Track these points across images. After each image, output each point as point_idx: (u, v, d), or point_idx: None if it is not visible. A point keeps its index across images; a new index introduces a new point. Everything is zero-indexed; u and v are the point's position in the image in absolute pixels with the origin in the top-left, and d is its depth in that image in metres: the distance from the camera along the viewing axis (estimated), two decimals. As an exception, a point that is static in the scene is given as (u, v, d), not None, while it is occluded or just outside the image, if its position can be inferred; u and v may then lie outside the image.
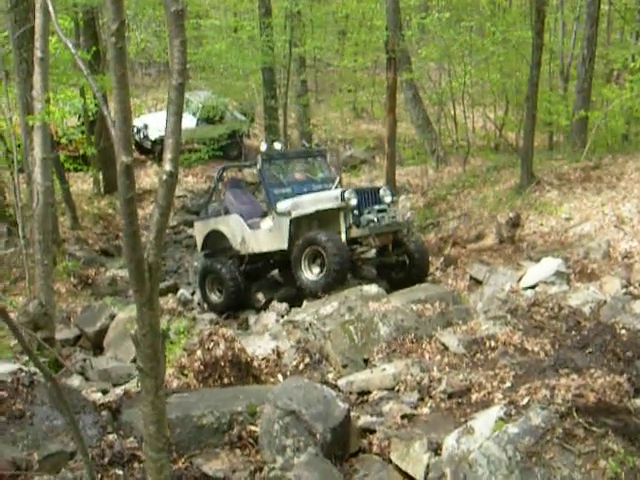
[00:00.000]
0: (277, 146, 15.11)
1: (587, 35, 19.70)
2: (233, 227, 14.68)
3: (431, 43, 25.56)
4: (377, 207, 13.43)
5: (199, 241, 15.60)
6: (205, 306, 14.88)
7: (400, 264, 13.74)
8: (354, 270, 13.68)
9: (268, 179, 14.39)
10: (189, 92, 25.96)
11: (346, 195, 13.05)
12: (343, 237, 12.95)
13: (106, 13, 23.23)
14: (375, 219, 13.21)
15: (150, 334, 4.31)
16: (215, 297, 14.68)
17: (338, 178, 15.34)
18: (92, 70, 4.86)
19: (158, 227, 4.23)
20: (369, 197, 13.57)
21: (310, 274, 12.91)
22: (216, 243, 15.07)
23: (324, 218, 13.44)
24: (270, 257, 14.35)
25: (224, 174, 16.31)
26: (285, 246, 13.58)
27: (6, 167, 17.20)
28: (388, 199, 13.79)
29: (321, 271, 12.70)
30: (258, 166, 14.48)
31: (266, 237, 14.08)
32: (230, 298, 14.33)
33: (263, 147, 14.55)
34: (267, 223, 14.16)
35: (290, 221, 13.50)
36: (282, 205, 13.83)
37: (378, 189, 13.94)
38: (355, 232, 13.09)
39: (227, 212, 14.93)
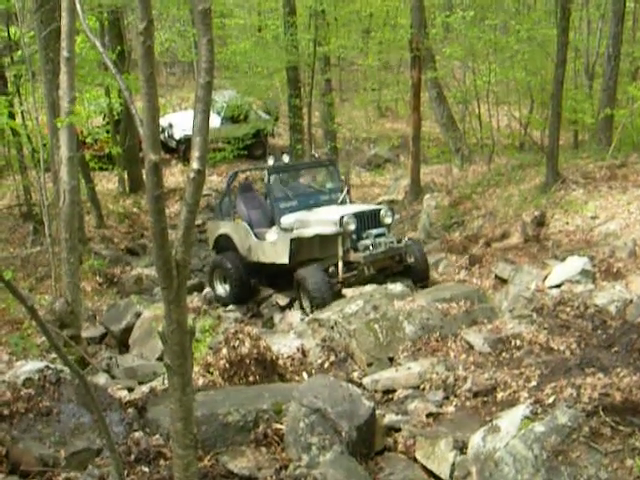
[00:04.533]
0: (285, 158, 15.23)
1: (612, 33, 19.57)
2: (241, 234, 14.91)
3: (455, 41, 25.50)
4: (375, 231, 13.59)
5: (211, 241, 16.01)
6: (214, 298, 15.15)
7: (400, 274, 13.91)
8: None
9: (275, 193, 14.55)
10: (214, 91, 25.98)
11: (345, 220, 13.21)
12: (340, 264, 13.20)
13: (131, 13, 23.42)
14: (371, 246, 13.37)
15: (178, 331, 4.33)
16: (222, 290, 14.99)
17: (347, 188, 15.53)
18: (117, 70, 4.87)
19: (186, 224, 4.24)
20: (369, 220, 13.76)
21: (306, 303, 13.08)
22: (226, 245, 15.32)
23: (324, 240, 13.67)
24: (275, 266, 14.39)
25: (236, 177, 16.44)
26: (286, 261, 13.79)
27: (32, 166, 17.33)
28: (388, 220, 13.98)
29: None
30: (265, 180, 14.69)
31: (270, 249, 14.31)
32: (235, 291, 14.68)
33: (270, 161, 14.66)
34: (272, 235, 14.38)
35: (291, 240, 13.68)
36: (286, 220, 14.07)
37: (379, 210, 14.06)
38: (352, 257, 13.29)
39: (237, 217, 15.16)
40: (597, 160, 17.77)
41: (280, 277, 14.46)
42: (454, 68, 26.56)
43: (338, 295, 12.46)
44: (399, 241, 13.91)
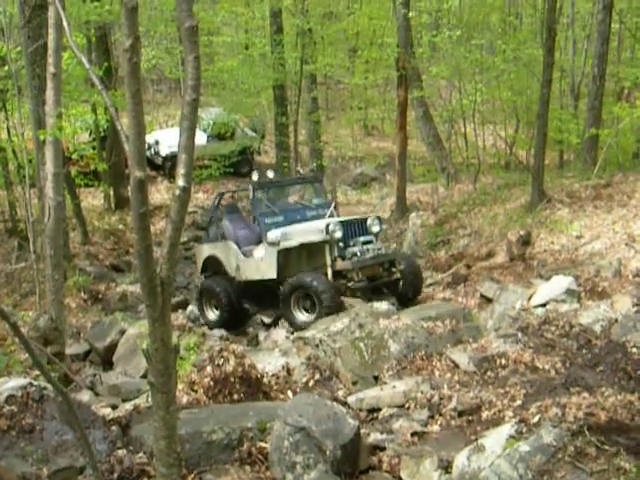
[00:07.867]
0: (270, 174, 15.11)
1: (598, 53, 19.72)
2: (228, 254, 14.76)
3: (442, 61, 25.60)
4: (362, 239, 13.61)
5: (199, 264, 15.76)
6: (202, 322, 14.92)
7: (392, 285, 13.90)
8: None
9: (260, 208, 14.46)
10: (200, 109, 25.98)
11: (330, 228, 13.19)
12: (329, 271, 13.18)
13: (118, 30, 23.46)
14: (359, 252, 13.36)
15: (162, 349, 4.31)
16: (212, 314, 14.80)
17: (333, 204, 15.51)
18: (104, 86, 4.88)
19: (171, 242, 4.23)
20: (356, 228, 13.75)
21: (300, 314, 13.01)
22: (214, 267, 15.18)
23: (311, 250, 13.68)
24: (264, 283, 14.27)
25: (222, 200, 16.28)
26: (274, 276, 13.68)
27: (18, 182, 17.28)
28: (376, 229, 13.99)
29: (312, 311, 12.76)
30: (250, 195, 14.61)
31: (258, 266, 14.17)
32: (225, 316, 14.47)
33: (255, 176, 14.56)
34: (259, 251, 14.26)
35: (278, 252, 13.61)
36: (272, 235, 13.92)
37: (366, 219, 14.07)
38: (340, 265, 13.28)
39: (224, 238, 15.00)
40: (582, 180, 17.84)
41: (266, 296, 14.38)
42: (440, 87, 26.67)
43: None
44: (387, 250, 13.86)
